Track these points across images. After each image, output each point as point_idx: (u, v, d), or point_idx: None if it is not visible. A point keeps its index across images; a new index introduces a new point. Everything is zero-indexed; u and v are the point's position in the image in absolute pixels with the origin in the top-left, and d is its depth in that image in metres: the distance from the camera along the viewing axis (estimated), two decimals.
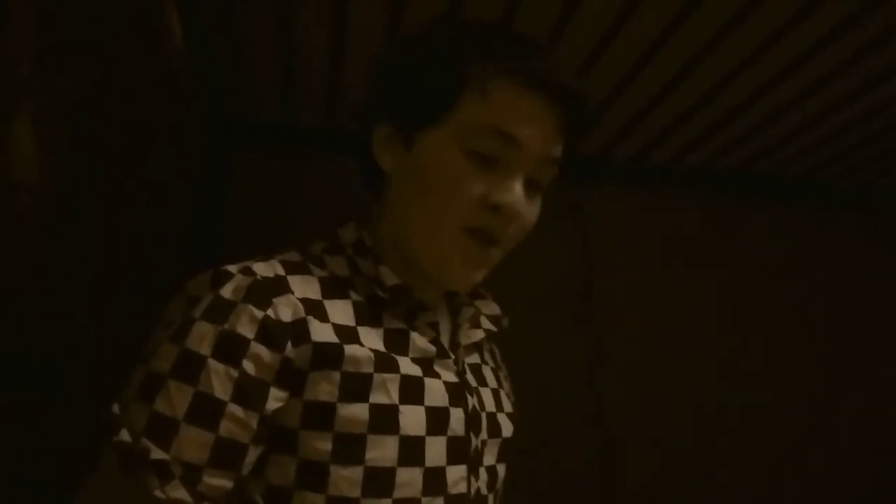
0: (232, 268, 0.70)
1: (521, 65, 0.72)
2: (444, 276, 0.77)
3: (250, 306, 0.66)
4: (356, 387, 0.67)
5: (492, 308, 0.86)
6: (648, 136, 2.12)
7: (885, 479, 2.30)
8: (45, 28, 0.88)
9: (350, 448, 0.66)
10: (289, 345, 0.66)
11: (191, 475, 0.62)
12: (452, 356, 0.77)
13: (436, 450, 0.71)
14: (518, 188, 0.73)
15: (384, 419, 0.68)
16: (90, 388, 1.11)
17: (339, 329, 0.69)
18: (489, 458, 0.78)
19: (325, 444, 0.66)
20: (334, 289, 0.73)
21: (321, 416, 0.66)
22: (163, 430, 0.62)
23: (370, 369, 0.68)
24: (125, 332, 1.28)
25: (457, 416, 0.73)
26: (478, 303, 0.86)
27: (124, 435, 0.62)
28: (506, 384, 0.90)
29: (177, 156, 1.71)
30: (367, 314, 0.73)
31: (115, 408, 0.65)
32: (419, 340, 0.75)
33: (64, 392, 1.06)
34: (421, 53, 0.75)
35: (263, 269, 0.70)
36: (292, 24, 1.60)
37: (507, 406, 0.85)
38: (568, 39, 1.57)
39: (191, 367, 0.64)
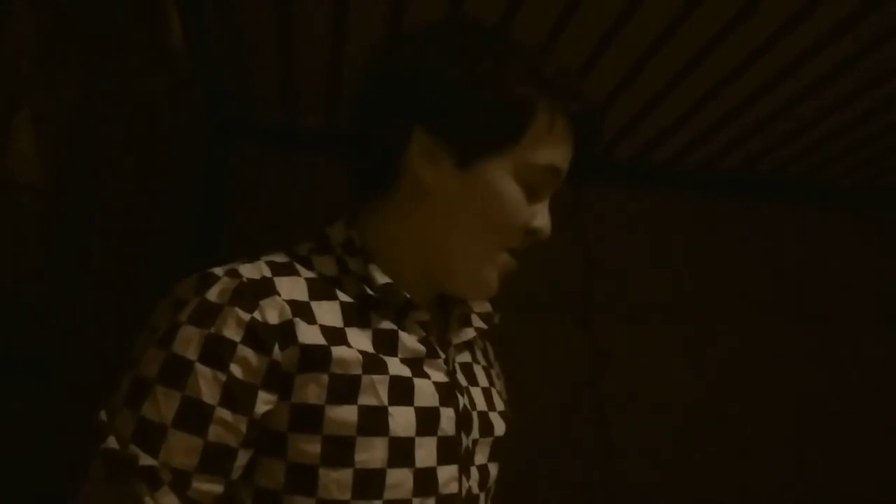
0: (218, 270, 0.69)
1: (577, 104, 0.76)
2: (472, 290, 0.79)
3: (237, 309, 0.65)
4: (344, 389, 0.67)
5: (482, 305, 0.86)
6: (648, 136, 2.12)
7: (886, 482, 2.30)
8: (45, 28, 0.88)
9: (339, 450, 0.66)
10: (276, 347, 0.66)
11: (180, 481, 0.62)
12: (443, 355, 0.77)
13: (426, 450, 0.70)
14: (548, 210, 0.78)
15: (373, 421, 0.67)
16: (90, 388, 1.11)
17: (326, 330, 0.69)
18: (480, 458, 0.78)
19: (313, 447, 0.66)
20: (322, 290, 0.73)
21: (309, 418, 0.66)
22: (151, 437, 0.62)
23: (358, 371, 0.68)
24: (125, 332, 1.28)
25: (447, 416, 0.73)
26: (469, 300, 0.86)
27: (112, 442, 0.62)
28: (498, 383, 0.90)
29: (177, 156, 1.71)
30: (356, 315, 0.73)
31: (103, 415, 0.64)
32: (408, 340, 0.74)
33: (64, 392, 1.05)
34: (491, 77, 0.72)
35: (249, 270, 0.70)
36: (292, 24, 1.60)
37: (499, 405, 0.85)
38: (568, 39, 1.57)
39: (178, 372, 0.63)
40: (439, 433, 0.72)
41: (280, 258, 0.75)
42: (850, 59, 1.62)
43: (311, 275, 0.73)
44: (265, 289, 0.68)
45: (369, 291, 0.74)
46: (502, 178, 0.73)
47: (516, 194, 0.74)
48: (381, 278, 0.74)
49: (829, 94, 1.79)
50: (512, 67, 0.73)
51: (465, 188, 0.74)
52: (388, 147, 0.76)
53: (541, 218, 0.77)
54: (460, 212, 0.74)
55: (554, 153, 0.75)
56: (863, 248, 2.49)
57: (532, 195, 0.76)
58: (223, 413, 0.63)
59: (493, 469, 0.81)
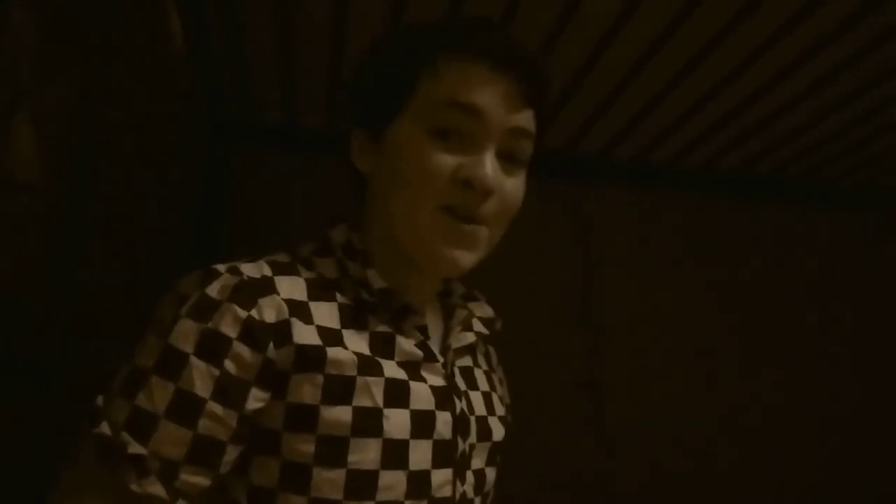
0: (221, 267, 0.70)
1: (467, 39, 0.73)
2: (431, 261, 0.75)
3: (234, 306, 0.66)
4: (339, 390, 0.67)
5: (485, 310, 0.86)
6: (648, 137, 2.12)
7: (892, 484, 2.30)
8: (45, 28, 0.88)
9: (332, 450, 0.66)
10: (270, 346, 0.67)
11: (168, 471, 0.63)
12: (441, 360, 0.77)
13: (420, 453, 0.71)
14: (488, 162, 0.72)
15: (367, 422, 0.68)
16: (90, 388, 1.11)
17: (322, 331, 0.70)
18: (477, 462, 0.78)
19: (307, 447, 0.66)
20: (321, 290, 0.73)
21: (304, 418, 0.66)
22: (142, 425, 0.63)
23: (353, 372, 0.68)
24: (125, 332, 1.28)
25: (443, 420, 0.73)
26: (471, 305, 0.85)
27: (105, 428, 0.63)
28: (500, 388, 0.89)
29: (177, 156, 1.71)
30: (353, 317, 0.73)
31: (100, 400, 0.66)
32: (405, 344, 0.74)
33: (64, 392, 1.06)
34: (374, 59, 0.80)
35: (251, 269, 0.70)
36: (292, 24, 1.60)
37: (500, 410, 0.85)
38: (568, 39, 1.57)
39: (173, 364, 0.64)
40: (435, 436, 0.72)
41: (282, 258, 0.76)
42: (850, 59, 1.62)
43: (311, 275, 0.74)
44: (264, 287, 0.69)
45: (366, 296, 0.75)
46: (406, 134, 0.74)
47: (424, 144, 0.72)
48: (378, 283, 0.75)
49: (829, 94, 1.79)
50: (392, 43, 0.79)
51: (384, 162, 0.76)
52: (348, 156, 0.82)
53: (472, 167, 0.71)
54: (389, 184, 0.76)
55: (450, 90, 0.72)
56: (863, 248, 2.49)
57: (452, 142, 0.72)
58: (214, 407, 0.64)
59: (491, 474, 0.81)
